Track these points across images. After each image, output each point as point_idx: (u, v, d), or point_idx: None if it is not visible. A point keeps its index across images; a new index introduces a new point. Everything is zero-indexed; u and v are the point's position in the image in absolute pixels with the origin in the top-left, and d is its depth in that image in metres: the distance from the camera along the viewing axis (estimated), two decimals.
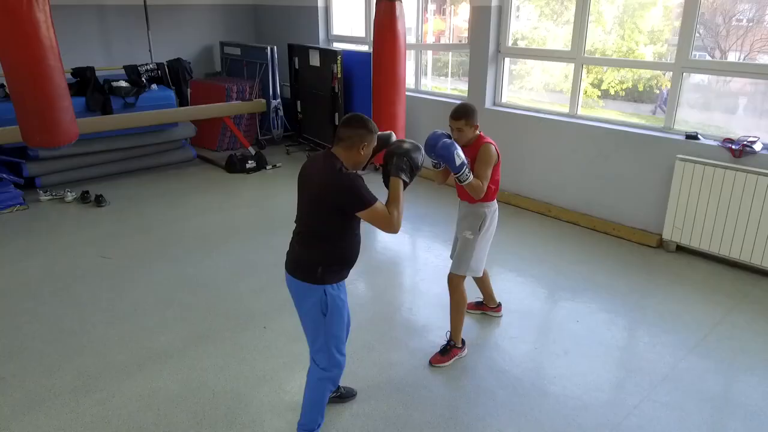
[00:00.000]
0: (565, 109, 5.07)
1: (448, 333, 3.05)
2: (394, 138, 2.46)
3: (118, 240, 4.61)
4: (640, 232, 4.55)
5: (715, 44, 4.71)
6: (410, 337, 3.25)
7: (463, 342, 3.06)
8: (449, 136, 2.76)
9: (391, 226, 2.21)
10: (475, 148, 2.84)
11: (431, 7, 7.30)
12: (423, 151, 2.40)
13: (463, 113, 2.80)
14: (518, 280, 3.98)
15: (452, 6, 7.44)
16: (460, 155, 2.64)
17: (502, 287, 3.85)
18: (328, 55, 6.23)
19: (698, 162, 4.11)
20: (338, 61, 6.02)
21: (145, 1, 6.96)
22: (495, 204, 3.00)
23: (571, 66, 4.93)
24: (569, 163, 4.97)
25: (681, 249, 4.37)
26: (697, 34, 4.25)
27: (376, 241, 4.58)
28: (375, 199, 2.14)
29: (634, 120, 4.91)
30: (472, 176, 2.72)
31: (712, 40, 4.69)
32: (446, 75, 7.49)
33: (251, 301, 3.64)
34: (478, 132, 2.87)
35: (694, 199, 4.17)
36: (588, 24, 4.77)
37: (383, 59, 5.28)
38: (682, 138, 4.30)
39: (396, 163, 2.28)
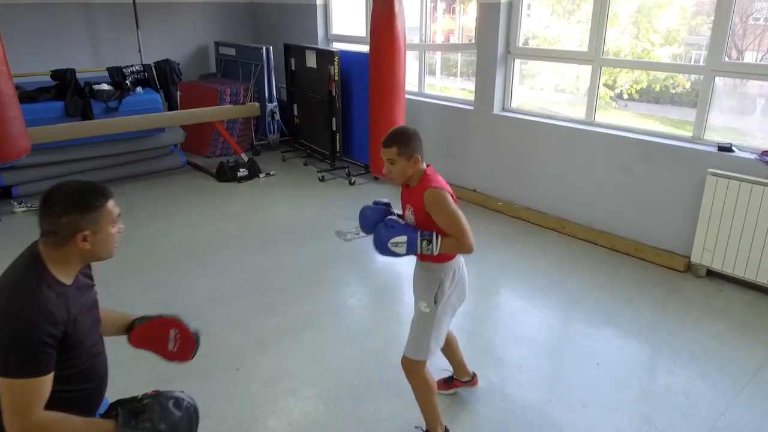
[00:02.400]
0: (581, 115, 4.62)
1: (423, 429, 2.39)
2: (190, 326, 1.82)
3: None
4: (665, 254, 4.09)
5: (732, 44, 4.35)
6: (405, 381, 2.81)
7: (446, 429, 2.42)
8: (386, 211, 2.21)
9: None
10: (418, 194, 2.11)
11: (440, 5, 6.98)
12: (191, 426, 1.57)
13: (393, 139, 2.10)
14: (528, 310, 3.53)
15: (462, 4, 7.13)
16: (398, 242, 2.06)
17: (510, 319, 3.40)
18: (324, 55, 5.81)
19: (732, 177, 3.64)
20: (335, 63, 5.60)
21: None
22: (455, 264, 2.24)
23: (585, 68, 4.48)
24: (586, 175, 4.52)
25: (712, 274, 3.90)
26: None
27: (371, 261, 4.16)
28: (30, 372, 1.34)
29: (658, 127, 4.45)
30: (438, 241, 2.05)
31: (729, 40, 4.30)
32: (455, 75, 7.19)
33: (226, 334, 3.23)
34: (422, 167, 2.15)
35: (727, 218, 3.70)
36: (607, 23, 4.32)
37: (381, 60, 4.85)
38: (714, 150, 3.84)
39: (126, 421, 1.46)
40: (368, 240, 4.69)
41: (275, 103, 6.88)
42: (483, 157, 5.26)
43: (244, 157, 6.29)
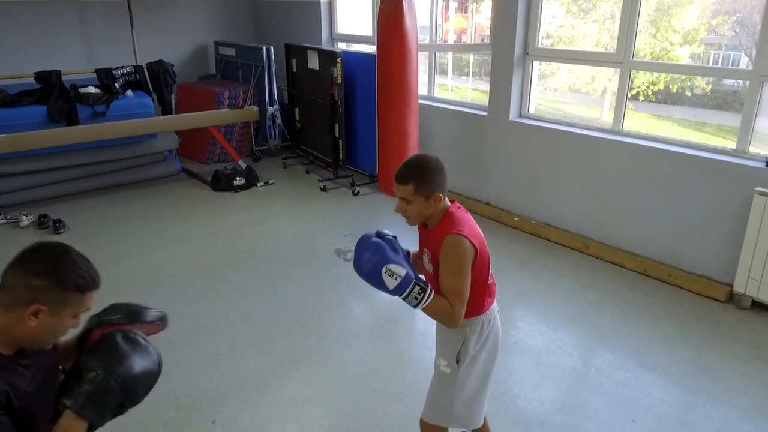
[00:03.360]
0: (597, 116, 4.17)
1: None
2: (150, 316, 1.54)
3: None
4: (703, 282, 3.63)
5: (753, 43, 4.01)
6: None
7: None
8: (382, 243, 1.70)
9: None
10: (437, 238, 1.72)
11: (453, 4, 6.65)
12: (154, 366, 1.40)
13: (409, 174, 1.72)
14: (550, 349, 3.09)
15: (474, 2, 6.80)
16: (395, 272, 1.62)
17: (529, 361, 2.97)
18: (327, 56, 5.40)
19: None
20: (338, 64, 5.18)
21: None
22: (485, 318, 1.84)
23: (603, 68, 4.03)
24: (613, 189, 4.07)
25: (758, 306, 3.44)
26: (732, 33, 3.36)
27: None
28: None
29: (691, 134, 4.02)
30: (430, 296, 1.66)
31: (749, 39, 3.99)
32: (467, 74, 6.85)
33: (205, 375, 2.83)
34: (444, 204, 1.76)
35: None
36: (638, 23, 3.87)
37: (389, 62, 4.43)
38: (762, 165, 3.38)
39: (78, 389, 1.24)
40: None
41: (276, 107, 6.49)
42: (498, 168, 4.83)
43: (242, 164, 5.91)
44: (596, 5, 4.55)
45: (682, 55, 4.14)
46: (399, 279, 1.63)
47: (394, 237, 1.88)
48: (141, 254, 4.19)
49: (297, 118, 6.32)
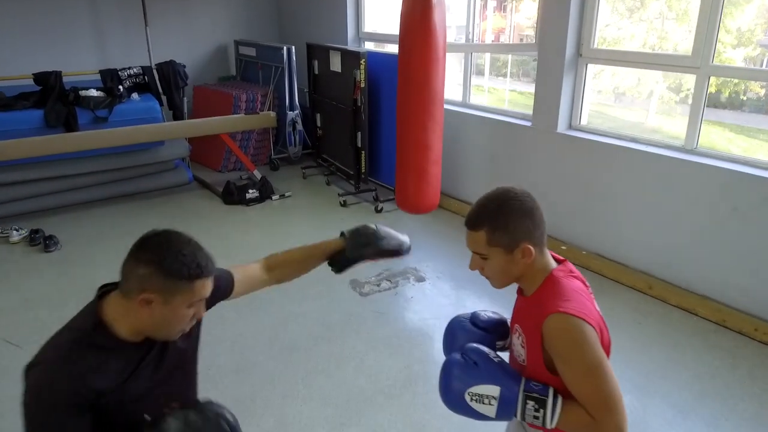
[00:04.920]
0: (648, 126, 3.50)
1: None
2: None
3: (47, 306, 3.39)
4: None
5: None
6: None
7: None
8: (458, 359, 1.23)
9: None
10: (534, 313, 1.22)
11: (491, 3, 6.17)
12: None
13: (477, 214, 1.26)
14: None
15: (514, 1, 6.29)
16: (484, 395, 1.16)
17: None
18: (350, 57, 4.84)
19: None
20: (361, 66, 4.62)
21: None
22: None
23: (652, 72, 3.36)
24: (684, 219, 3.38)
25: None
26: None
27: (393, 327, 3.16)
28: None
29: (744, 141, 3.40)
30: (556, 413, 1.14)
31: None
32: (504, 75, 6.63)
33: None
34: (542, 262, 1.26)
35: None
36: (720, 23, 3.18)
37: (412, 65, 3.84)
38: None
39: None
40: (391, 296, 3.76)
41: (297, 111, 5.98)
42: (543, 187, 4.16)
43: (257, 175, 5.41)
44: (644, 3, 3.98)
45: (735, 58, 3.73)
46: (494, 403, 1.16)
47: (499, 323, 1.41)
48: None
49: (318, 124, 5.78)
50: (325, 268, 1.73)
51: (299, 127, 6.02)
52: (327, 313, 3.33)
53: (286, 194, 5.29)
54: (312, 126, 5.97)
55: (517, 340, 1.29)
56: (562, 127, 4.01)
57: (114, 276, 1.26)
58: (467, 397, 1.17)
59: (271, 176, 5.64)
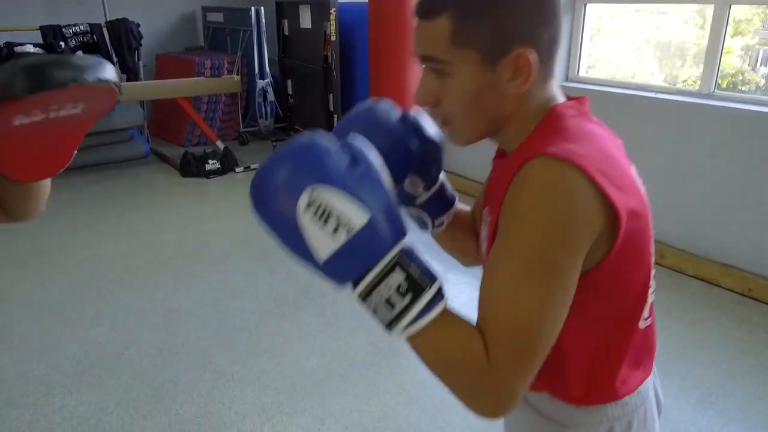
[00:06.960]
0: (687, 83, 3.00)
1: None
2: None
3: None
4: None
5: None
6: None
7: None
8: (325, 143, 0.63)
9: None
10: (513, 170, 0.67)
11: None
12: None
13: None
14: None
15: None
16: (333, 210, 0.59)
17: None
18: (320, 9, 4.32)
19: None
20: (331, 17, 4.11)
21: None
22: (629, 406, 0.77)
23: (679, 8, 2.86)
24: (701, 176, 2.88)
25: None
26: None
27: (347, 302, 2.65)
28: None
29: None
30: (433, 312, 0.62)
31: None
32: None
33: None
34: (544, 95, 0.74)
35: None
36: None
37: (383, 6, 3.33)
38: None
39: None
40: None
41: (268, 80, 5.45)
42: None
43: (220, 146, 4.88)
44: None
45: None
46: (344, 236, 0.60)
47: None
48: (55, 252, 3.18)
49: (289, 92, 5.27)
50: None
51: (270, 97, 5.49)
52: (280, 286, 2.81)
53: (253, 166, 4.77)
54: (284, 97, 5.45)
55: (484, 230, 0.78)
56: (559, 79, 3.51)
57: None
58: (303, 202, 0.60)
59: (239, 151, 5.12)
